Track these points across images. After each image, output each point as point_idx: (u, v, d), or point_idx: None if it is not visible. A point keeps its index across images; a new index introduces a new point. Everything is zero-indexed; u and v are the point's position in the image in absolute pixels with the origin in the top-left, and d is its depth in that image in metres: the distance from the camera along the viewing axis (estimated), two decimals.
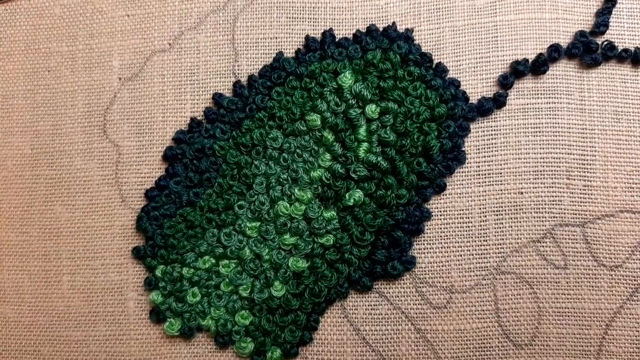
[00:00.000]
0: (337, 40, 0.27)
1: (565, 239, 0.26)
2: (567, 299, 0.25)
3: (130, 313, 0.26)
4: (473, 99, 0.27)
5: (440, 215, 0.26)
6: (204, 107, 0.27)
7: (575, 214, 0.26)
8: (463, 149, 0.26)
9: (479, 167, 0.26)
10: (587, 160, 0.26)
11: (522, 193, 0.26)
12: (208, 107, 0.27)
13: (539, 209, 0.26)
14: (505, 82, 0.26)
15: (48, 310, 0.27)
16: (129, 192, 0.27)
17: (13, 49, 0.29)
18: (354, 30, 0.27)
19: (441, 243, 0.26)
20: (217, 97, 0.27)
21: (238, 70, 0.27)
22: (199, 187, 0.26)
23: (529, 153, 0.26)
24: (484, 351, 0.25)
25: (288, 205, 0.25)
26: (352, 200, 0.25)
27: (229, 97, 0.27)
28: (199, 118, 0.27)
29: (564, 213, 0.26)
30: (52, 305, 0.27)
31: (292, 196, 0.25)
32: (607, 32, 0.27)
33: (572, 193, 0.26)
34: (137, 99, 0.28)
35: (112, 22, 0.28)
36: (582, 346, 0.25)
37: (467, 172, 0.26)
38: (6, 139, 0.28)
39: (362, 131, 0.25)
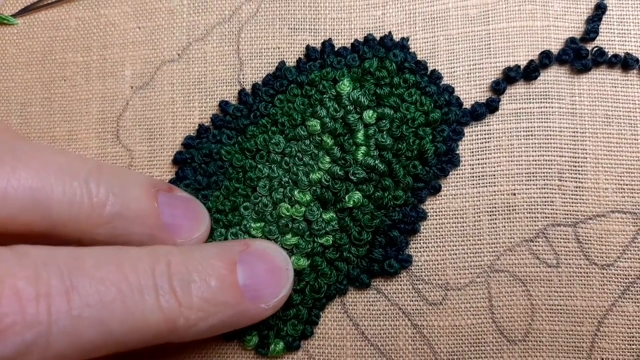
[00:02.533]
0: (336, 49, 0.29)
1: (558, 238, 0.27)
2: (560, 296, 0.27)
3: None
4: (467, 104, 0.28)
5: (436, 216, 0.28)
6: (211, 114, 0.29)
7: (567, 214, 0.27)
8: (457, 152, 0.28)
9: (472, 169, 0.28)
10: (578, 162, 0.27)
11: (514, 194, 0.27)
12: (215, 114, 0.29)
13: (532, 209, 0.27)
14: (498, 88, 0.28)
15: None
16: None
17: (31, 59, 0.31)
18: (352, 40, 0.29)
19: (436, 242, 0.27)
20: (223, 105, 0.29)
21: (243, 78, 0.29)
22: (207, 189, 0.28)
23: (521, 156, 0.28)
24: (478, 346, 0.27)
25: (289, 207, 0.27)
26: (351, 202, 0.27)
27: (234, 104, 0.29)
28: (206, 124, 0.29)
29: (556, 213, 0.27)
30: None
31: (293, 198, 0.27)
32: (597, 38, 0.28)
33: (564, 194, 0.27)
34: (148, 107, 0.30)
35: (124, 33, 0.30)
36: (575, 342, 0.26)
37: (462, 174, 0.28)
38: None
39: (360, 135, 0.27)
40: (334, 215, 0.27)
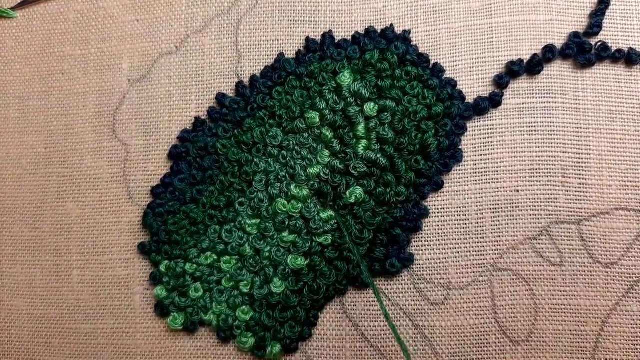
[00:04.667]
0: (336, 41, 0.25)
1: (561, 236, 0.23)
2: (564, 295, 0.23)
3: (137, 307, 0.24)
4: (469, 99, 0.24)
5: (438, 213, 0.24)
6: (208, 106, 0.25)
7: (571, 212, 0.23)
8: (460, 147, 0.24)
9: (475, 165, 0.24)
10: (582, 158, 0.24)
11: (518, 191, 0.24)
12: (212, 107, 0.25)
13: (535, 206, 0.23)
14: (501, 82, 0.24)
15: (59, 304, 0.25)
16: (136, 189, 0.25)
17: (29, 52, 0.27)
18: (353, 32, 0.25)
19: (439, 240, 0.24)
20: (220, 97, 0.25)
21: (241, 71, 0.26)
22: (202, 184, 0.24)
23: (524, 151, 0.24)
24: (481, 347, 0.23)
25: (286, 203, 0.23)
26: (353, 198, 0.23)
27: (231, 97, 0.25)
28: (203, 117, 0.25)
29: (560, 211, 0.23)
30: (63, 298, 0.25)
31: (289, 193, 0.23)
32: (601, 33, 0.25)
33: (568, 191, 0.24)
34: (145, 100, 0.26)
35: (122, 26, 0.26)
36: (579, 342, 0.23)
37: (464, 170, 0.24)
38: (21, 139, 0.26)
39: (361, 128, 0.23)
40: (333, 214, 0.23)
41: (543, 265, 0.23)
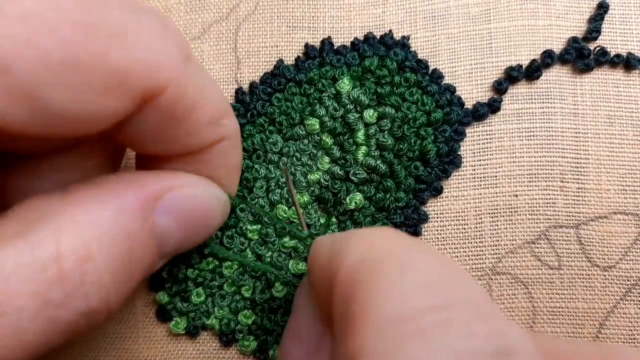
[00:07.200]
0: (335, 48, 0.26)
1: (560, 240, 0.25)
2: (562, 298, 0.24)
3: (138, 312, 0.25)
4: (468, 104, 0.25)
5: (437, 218, 0.25)
6: None
7: (569, 216, 0.25)
8: (459, 153, 0.25)
9: (474, 170, 0.25)
10: (580, 163, 0.25)
11: (516, 196, 0.25)
12: None
13: (534, 211, 0.25)
14: (500, 88, 0.25)
15: None
16: None
17: None
18: (352, 38, 0.26)
19: (438, 244, 0.25)
20: None
21: (240, 77, 0.27)
22: None
23: (523, 157, 0.25)
24: None
25: (287, 209, 0.24)
26: (353, 204, 0.24)
27: (231, 103, 0.26)
28: None
29: (558, 215, 0.25)
30: None
31: (290, 199, 0.24)
32: (600, 38, 0.26)
33: (566, 195, 0.25)
34: None
35: None
36: None
37: (463, 175, 0.25)
38: None
39: (360, 135, 0.24)
40: (334, 220, 0.24)
41: (541, 269, 0.24)
